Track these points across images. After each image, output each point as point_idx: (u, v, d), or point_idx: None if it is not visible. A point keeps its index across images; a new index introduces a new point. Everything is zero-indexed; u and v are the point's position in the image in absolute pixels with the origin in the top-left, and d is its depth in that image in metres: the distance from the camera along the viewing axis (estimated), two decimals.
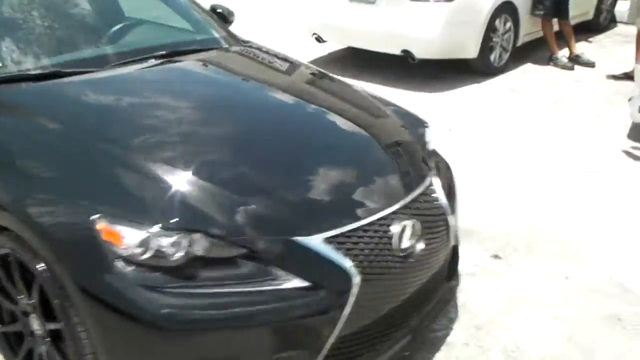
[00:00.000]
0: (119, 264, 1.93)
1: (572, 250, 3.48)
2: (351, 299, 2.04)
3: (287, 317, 2.01)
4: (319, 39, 6.79)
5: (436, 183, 2.54)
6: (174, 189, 2.08)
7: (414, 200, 2.36)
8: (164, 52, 2.97)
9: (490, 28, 6.15)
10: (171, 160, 2.20)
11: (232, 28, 3.69)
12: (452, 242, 2.61)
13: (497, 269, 3.33)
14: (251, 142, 2.41)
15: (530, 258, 3.42)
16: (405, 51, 6.02)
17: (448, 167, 2.98)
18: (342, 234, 2.09)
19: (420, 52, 5.99)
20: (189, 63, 3.04)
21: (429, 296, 2.50)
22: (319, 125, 2.73)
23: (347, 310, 2.04)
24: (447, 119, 5.29)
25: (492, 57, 6.32)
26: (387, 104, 3.09)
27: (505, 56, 6.50)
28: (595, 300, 3.05)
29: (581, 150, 4.71)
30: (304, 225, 2.08)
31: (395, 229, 2.21)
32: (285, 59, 3.41)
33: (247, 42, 3.48)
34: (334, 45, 7.03)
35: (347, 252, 2.07)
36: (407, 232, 2.24)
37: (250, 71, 3.19)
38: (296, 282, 2.00)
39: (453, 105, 5.66)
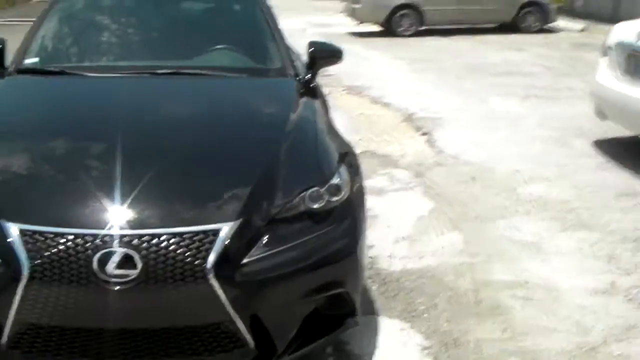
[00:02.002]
0: None
1: None
2: (20, 289, 2.22)
3: None
4: (600, 116, 5.78)
5: (222, 238, 2.28)
6: None
7: (151, 236, 2.25)
8: (168, 71, 3.36)
9: None
10: None
11: None
12: (231, 310, 2.27)
13: None
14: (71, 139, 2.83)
15: None
16: None
17: (342, 235, 2.56)
18: (38, 232, 2.26)
19: None
20: (153, 81, 3.35)
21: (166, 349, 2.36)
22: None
23: (18, 296, 2.23)
24: None
25: None
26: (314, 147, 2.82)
27: None
28: None
29: None
30: (13, 211, 2.34)
31: (98, 251, 2.22)
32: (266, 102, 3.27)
33: (295, 78, 3.46)
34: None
35: (33, 248, 2.23)
36: (114, 261, 2.21)
37: (194, 100, 3.24)
38: None
39: None
